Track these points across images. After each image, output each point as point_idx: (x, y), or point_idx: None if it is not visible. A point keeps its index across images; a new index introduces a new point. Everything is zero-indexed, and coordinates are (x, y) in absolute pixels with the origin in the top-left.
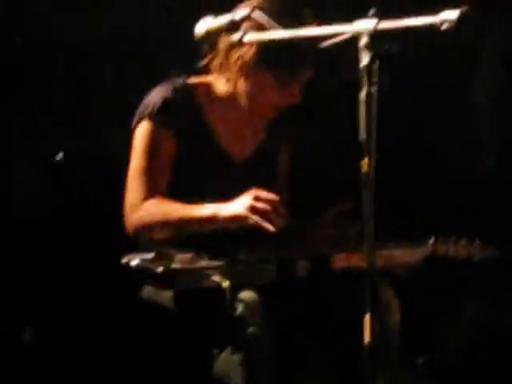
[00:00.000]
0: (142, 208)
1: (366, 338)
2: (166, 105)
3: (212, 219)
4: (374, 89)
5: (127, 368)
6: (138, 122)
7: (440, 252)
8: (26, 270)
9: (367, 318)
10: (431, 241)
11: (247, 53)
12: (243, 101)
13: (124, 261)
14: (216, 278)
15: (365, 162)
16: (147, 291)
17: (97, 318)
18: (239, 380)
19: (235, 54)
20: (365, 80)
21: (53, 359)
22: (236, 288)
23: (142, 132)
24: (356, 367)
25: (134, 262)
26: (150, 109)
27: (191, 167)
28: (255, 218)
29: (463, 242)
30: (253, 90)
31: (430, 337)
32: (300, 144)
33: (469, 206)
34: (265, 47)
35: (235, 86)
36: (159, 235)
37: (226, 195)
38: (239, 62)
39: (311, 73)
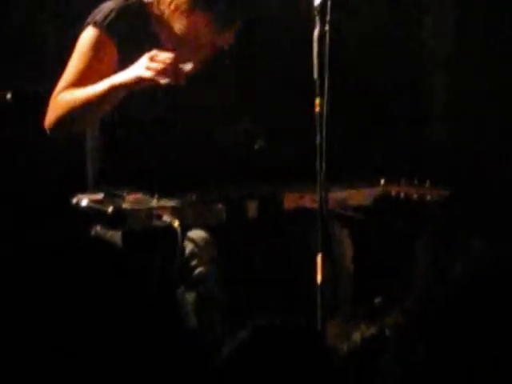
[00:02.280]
0: (58, 98)
1: (318, 277)
2: (115, 14)
3: (113, 87)
4: (326, 27)
5: (76, 309)
6: (85, 27)
7: (391, 193)
8: None
9: (319, 257)
10: (382, 182)
11: None
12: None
13: (74, 201)
14: (166, 217)
15: (317, 102)
16: (97, 231)
17: (46, 259)
18: (193, 318)
19: None
20: (318, 19)
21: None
22: (186, 228)
23: (86, 37)
24: (308, 306)
25: (84, 203)
26: (98, 16)
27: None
28: (150, 75)
29: (414, 183)
30: (186, 28)
31: (386, 279)
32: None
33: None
34: None
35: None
36: (73, 125)
37: (170, 107)
38: (173, 5)
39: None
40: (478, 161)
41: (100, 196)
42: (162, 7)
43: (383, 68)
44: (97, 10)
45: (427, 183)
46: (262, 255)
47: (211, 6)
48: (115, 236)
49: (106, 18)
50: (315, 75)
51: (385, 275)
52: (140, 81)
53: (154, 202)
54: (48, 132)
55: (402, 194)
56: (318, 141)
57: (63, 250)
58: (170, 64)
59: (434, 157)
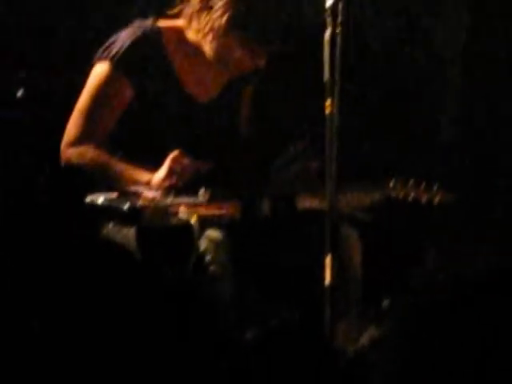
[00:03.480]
0: (78, 148)
1: (327, 278)
2: (130, 50)
3: (135, 182)
4: (338, 29)
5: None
6: (99, 60)
7: (399, 195)
8: None
9: (328, 258)
10: (391, 183)
11: (217, 21)
12: (209, 55)
13: (88, 200)
14: (183, 214)
15: (328, 103)
16: (109, 230)
17: (58, 258)
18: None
19: (206, 18)
20: (329, 20)
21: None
22: (202, 225)
23: (99, 72)
24: (318, 307)
25: (100, 200)
26: (114, 51)
27: (152, 110)
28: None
29: (422, 185)
30: (219, 49)
31: (395, 280)
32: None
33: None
34: (236, 15)
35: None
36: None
37: (189, 137)
38: (208, 27)
39: (279, 46)
40: (489, 164)
41: (114, 194)
42: (194, 27)
43: (395, 68)
44: (110, 42)
45: (435, 186)
46: (273, 254)
47: (248, 27)
48: (128, 235)
49: (119, 52)
50: (326, 76)
51: (393, 277)
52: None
53: (170, 199)
54: (63, 164)
55: (411, 197)
56: (327, 141)
57: (75, 249)
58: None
59: (445, 159)
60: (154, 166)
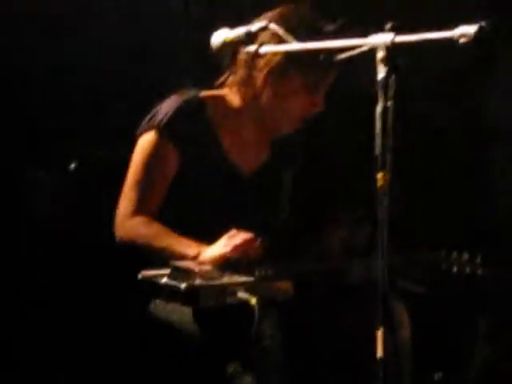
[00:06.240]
0: (131, 223)
1: (379, 352)
2: (175, 119)
3: (193, 259)
4: (389, 103)
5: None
6: (146, 130)
7: (443, 266)
8: (38, 279)
9: (380, 332)
10: (440, 254)
11: (274, 58)
12: (258, 116)
13: (144, 277)
14: (242, 294)
15: (380, 177)
16: (157, 306)
17: (105, 328)
18: None
19: (261, 62)
20: (381, 94)
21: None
22: (262, 305)
23: (146, 142)
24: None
25: (164, 280)
26: (159, 119)
27: (198, 182)
28: (227, 251)
29: (465, 257)
30: (278, 98)
31: (446, 353)
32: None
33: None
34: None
35: (252, 101)
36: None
37: (233, 210)
38: (266, 69)
39: (335, 74)
40: None
41: (166, 271)
42: (240, 93)
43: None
44: (154, 112)
45: (478, 258)
46: (324, 328)
47: (305, 66)
48: (183, 314)
49: (164, 119)
50: (377, 151)
51: (444, 350)
52: (222, 260)
53: (226, 278)
54: (117, 241)
55: (455, 269)
56: (380, 215)
57: (124, 324)
58: (248, 242)
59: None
60: (198, 239)
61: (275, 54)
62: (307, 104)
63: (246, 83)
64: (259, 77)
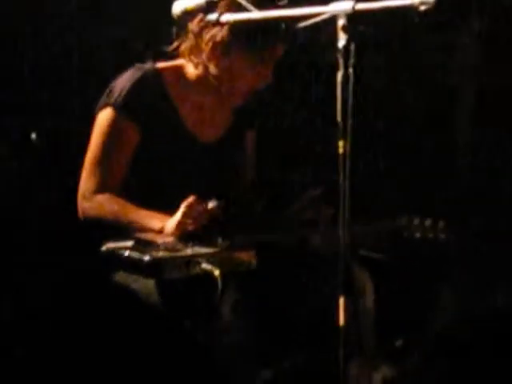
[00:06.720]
0: (95, 200)
1: (341, 320)
2: (132, 94)
3: (159, 232)
4: (350, 70)
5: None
6: (103, 107)
7: (405, 233)
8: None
9: (341, 300)
10: (402, 221)
11: (219, 33)
12: (214, 85)
13: (108, 249)
14: (205, 265)
15: (340, 144)
16: (120, 277)
17: (69, 303)
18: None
19: (206, 35)
20: (341, 61)
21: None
22: (225, 276)
23: (105, 119)
24: (330, 350)
25: (127, 253)
26: (115, 96)
27: (158, 153)
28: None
29: (428, 223)
30: (225, 72)
31: (408, 320)
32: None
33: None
34: (237, 26)
35: (205, 70)
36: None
37: (192, 177)
38: (211, 43)
39: (283, 48)
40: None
41: (129, 243)
42: (194, 61)
43: (408, 103)
44: (112, 87)
45: (441, 223)
46: (286, 295)
47: (250, 42)
48: (148, 285)
49: (121, 95)
50: (338, 118)
51: (405, 317)
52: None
53: (190, 249)
54: (81, 218)
55: (417, 234)
56: (341, 182)
57: (87, 296)
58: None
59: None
60: (163, 211)
61: (220, 29)
62: (254, 77)
63: (194, 54)
64: (205, 49)
